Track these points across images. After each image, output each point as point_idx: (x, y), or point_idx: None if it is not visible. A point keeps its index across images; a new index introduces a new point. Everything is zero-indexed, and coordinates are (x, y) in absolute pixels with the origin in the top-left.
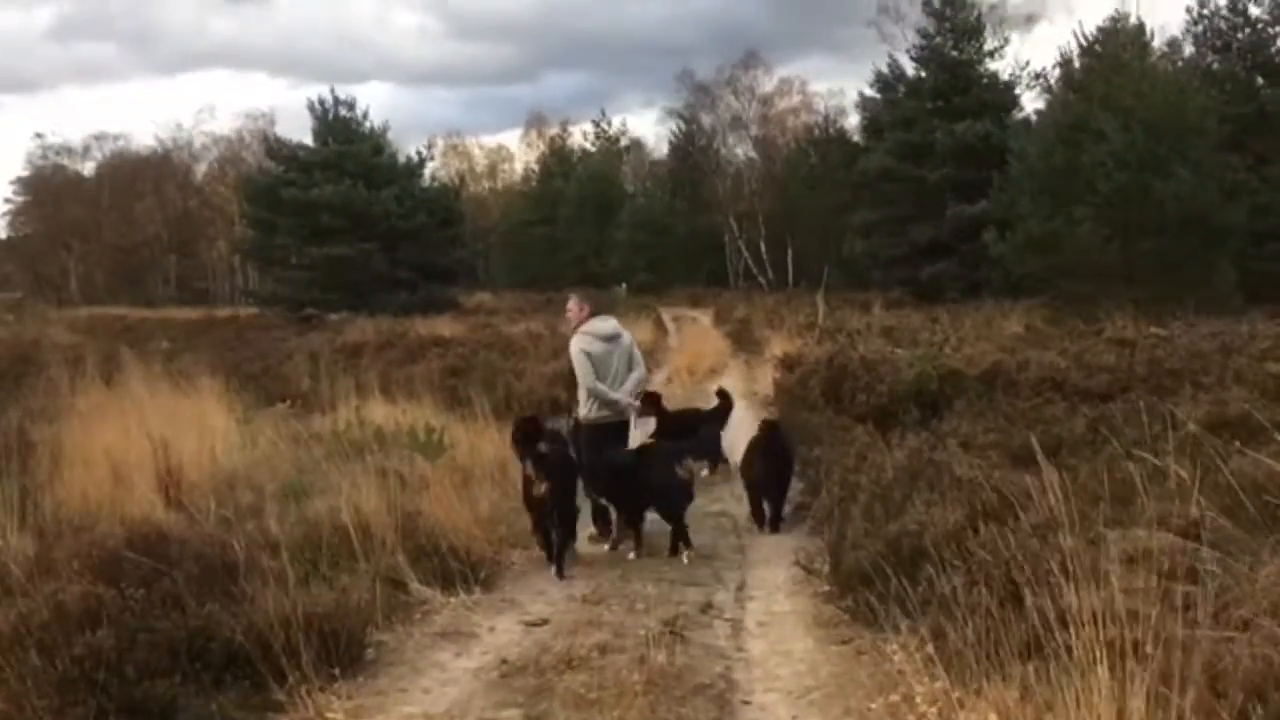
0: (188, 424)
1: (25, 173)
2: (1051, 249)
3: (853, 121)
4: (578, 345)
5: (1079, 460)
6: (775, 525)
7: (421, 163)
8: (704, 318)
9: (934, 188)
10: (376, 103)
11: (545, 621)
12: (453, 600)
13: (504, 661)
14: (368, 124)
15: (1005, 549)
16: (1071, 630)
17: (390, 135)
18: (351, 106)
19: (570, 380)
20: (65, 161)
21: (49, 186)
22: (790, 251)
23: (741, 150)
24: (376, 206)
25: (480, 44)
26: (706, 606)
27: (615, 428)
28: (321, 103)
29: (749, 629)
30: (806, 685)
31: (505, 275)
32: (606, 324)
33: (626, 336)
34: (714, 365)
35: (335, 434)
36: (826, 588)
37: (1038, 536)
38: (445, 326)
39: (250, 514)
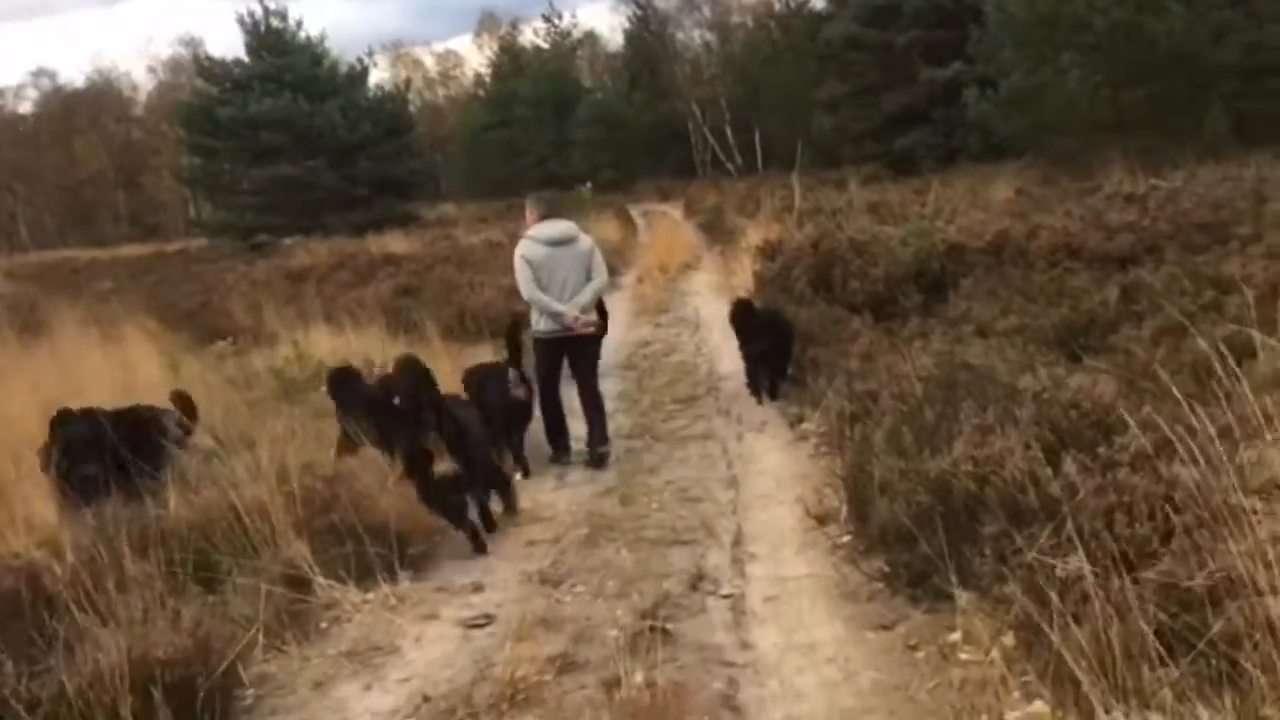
0: (107, 376)
1: None
2: (1037, 103)
3: None
4: (518, 251)
5: (1128, 341)
6: (774, 392)
7: (364, 71)
8: (674, 211)
9: (903, 53)
10: (320, 17)
11: (489, 619)
12: (370, 598)
13: (426, 699)
14: (303, 34)
15: (1111, 493)
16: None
17: (335, 49)
18: (284, 17)
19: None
20: (4, 101)
21: None
22: (757, 134)
23: (698, 34)
24: (320, 119)
25: None
26: (697, 579)
27: (567, 344)
28: (251, 15)
29: (754, 611)
30: (846, 709)
31: (466, 184)
32: (555, 227)
33: (584, 241)
34: (687, 260)
35: (272, 372)
36: (846, 537)
37: (1148, 472)
38: (400, 243)
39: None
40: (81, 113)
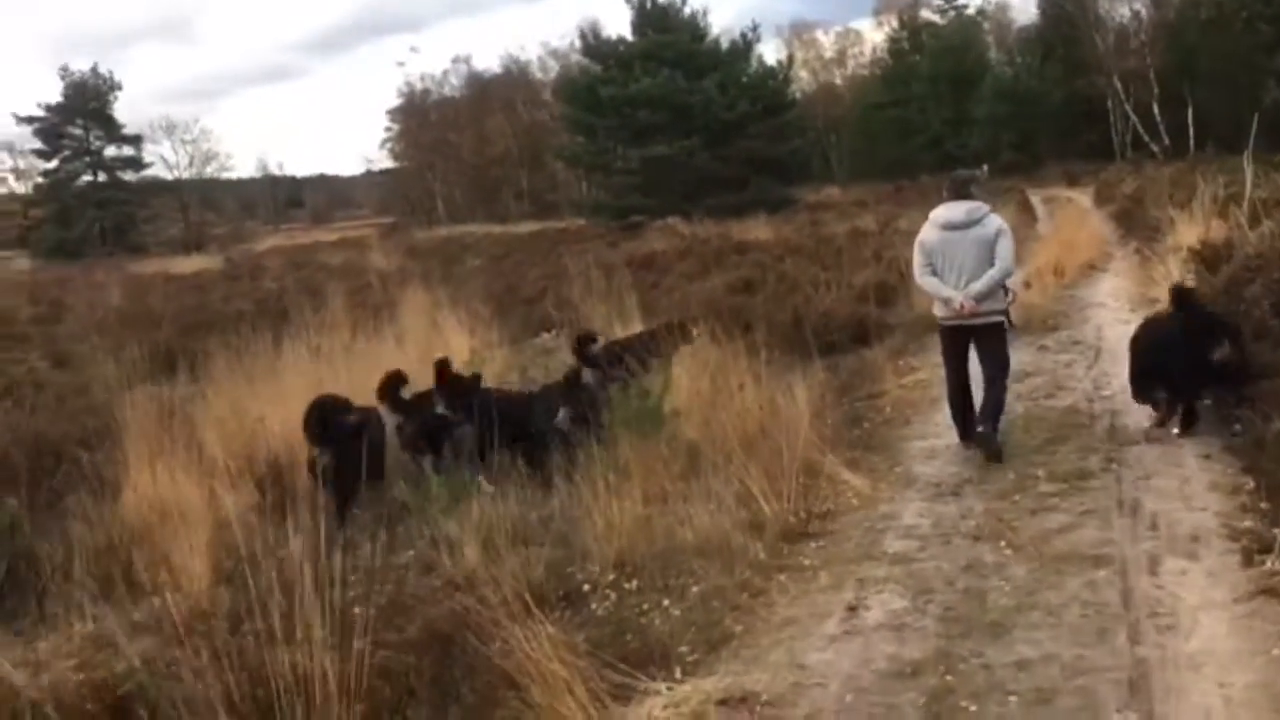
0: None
1: (398, 102)
2: None
3: None
4: (918, 236)
5: None
6: (1187, 424)
7: (748, 46)
8: (1081, 197)
9: None
10: (725, 7)
11: None
12: None
13: None
14: (687, 9)
15: None
16: None
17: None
18: None
19: None
20: (430, 87)
21: (417, 111)
22: (1190, 111)
23: (1125, 6)
24: (697, 96)
25: None
26: None
27: (966, 332)
28: None
29: None
30: None
31: (856, 165)
32: (957, 209)
33: (991, 224)
34: (1092, 259)
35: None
36: None
37: None
38: (762, 229)
39: None
40: (495, 96)
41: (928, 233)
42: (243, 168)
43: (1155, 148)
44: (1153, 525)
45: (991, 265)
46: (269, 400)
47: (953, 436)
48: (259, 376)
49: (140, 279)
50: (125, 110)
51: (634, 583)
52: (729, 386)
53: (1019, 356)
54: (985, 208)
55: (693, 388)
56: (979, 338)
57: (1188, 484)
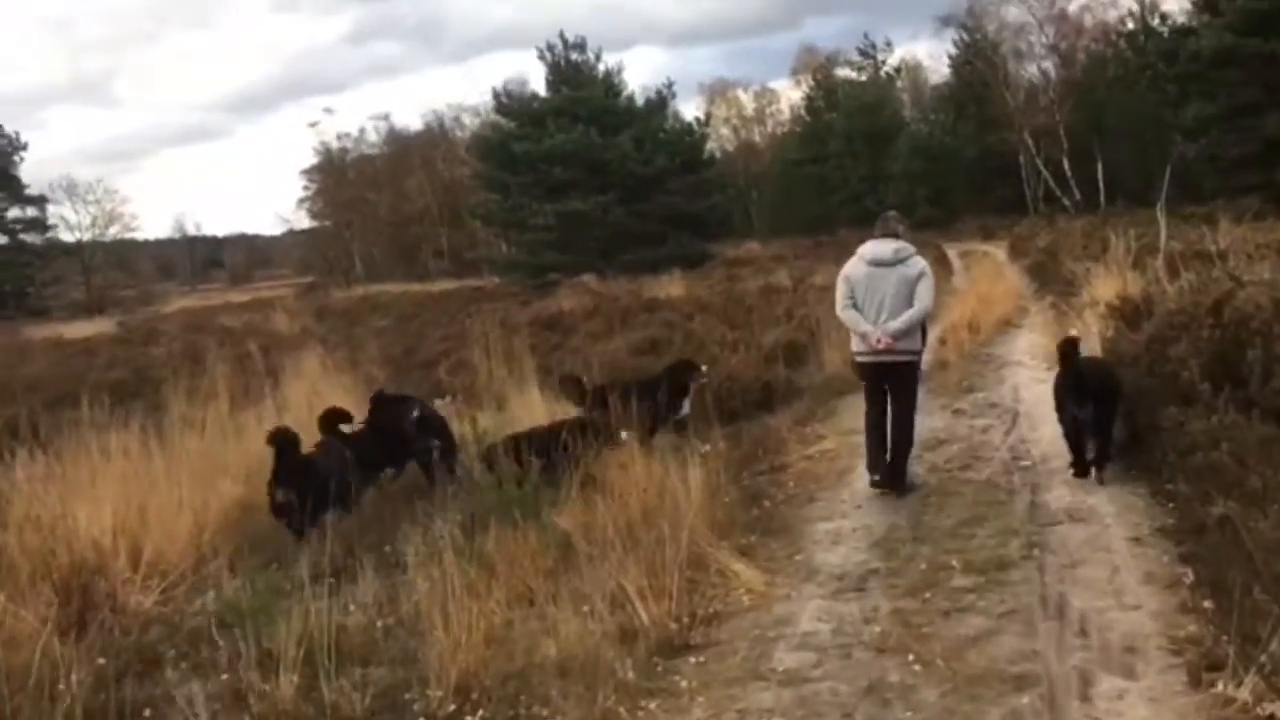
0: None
1: (314, 161)
2: None
3: (1170, 4)
4: (843, 270)
5: None
6: (1101, 464)
7: (662, 102)
8: (997, 251)
9: None
10: (643, 67)
11: None
12: None
13: None
14: (601, 66)
15: None
16: None
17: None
18: (583, 48)
19: None
20: (348, 145)
21: (334, 170)
22: (1100, 166)
23: (1034, 65)
24: (612, 152)
25: None
26: None
27: (880, 369)
28: (551, 49)
29: None
30: None
31: (776, 221)
32: (885, 246)
33: (915, 265)
34: (1008, 315)
35: None
36: None
37: None
38: (675, 286)
39: None
40: (415, 154)
41: (854, 267)
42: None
43: (1067, 202)
44: (1082, 630)
45: (911, 305)
46: (83, 489)
47: (860, 516)
48: (79, 461)
49: (29, 344)
50: (39, 172)
51: (478, 715)
52: (615, 463)
53: (931, 422)
54: (911, 249)
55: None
56: (893, 376)
57: (1118, 575)
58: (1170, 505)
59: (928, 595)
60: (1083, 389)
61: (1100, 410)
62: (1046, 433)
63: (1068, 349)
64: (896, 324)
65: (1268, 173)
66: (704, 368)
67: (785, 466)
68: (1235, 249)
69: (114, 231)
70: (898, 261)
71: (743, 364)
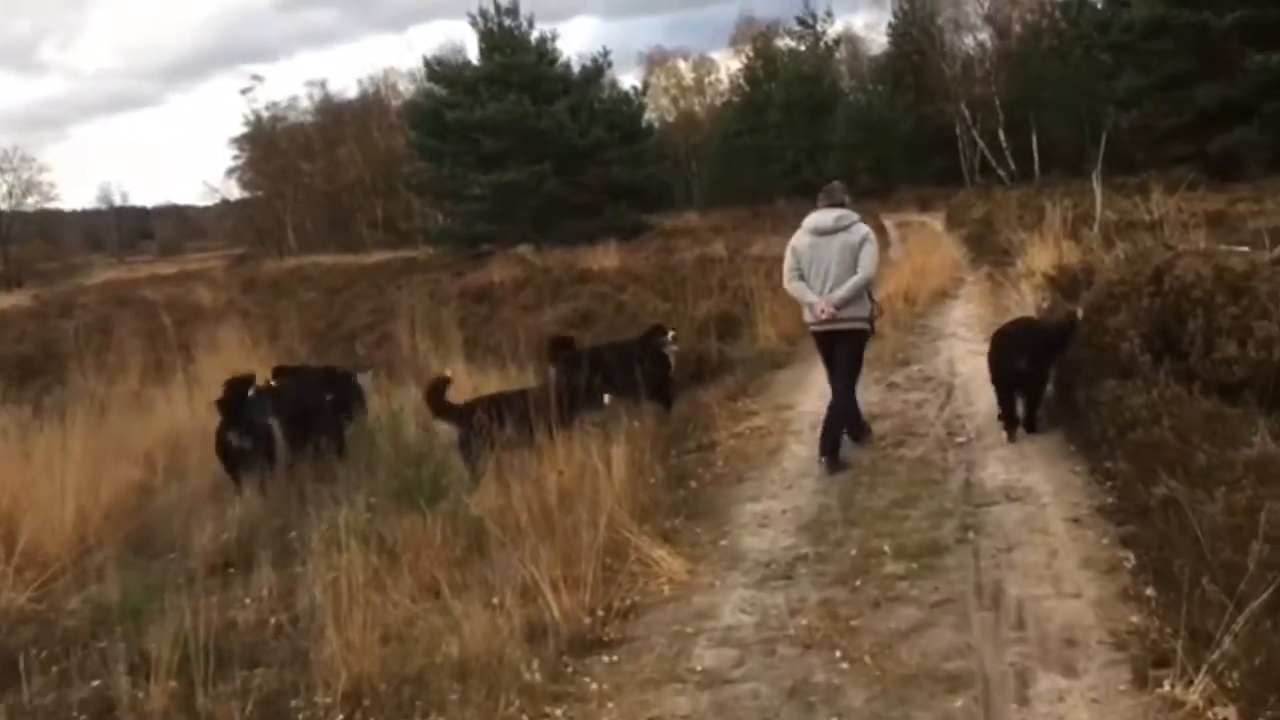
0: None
1: (244, 130)
2: None
3: None
4: (790, 241)
5: None
6: (1030, 424)
7: (599, 70)
8: (934, 221)
9: (1223, 36)
10: (581, 38)
11: None
12: None
13: None
14: (535, 33)
15: None
16: None
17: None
18: (515, 14)
19: None
20: (279, 114)
21: (264, 139)
22: (1035, 137)
23: (971, 36)
24: (547, 121)
25: None
26: None
27: (829, 338)
28: (483, 15)
29: None
30: None
31: (716, 192)
32: (827, 215)
33: (857, 231)
34: (944, 286)
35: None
36: None
37: None
38: (609, 256)
39: None
40: (349, 122)
41: (799, 238)
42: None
43: (1002, 172)
44: (1019, 621)
45: (855, 273)
46: None
47: (790, 498)
48: None
49: None
50: None
51: None
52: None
53: (866, 397)
54: (854, 216)
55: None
56: (839, 344)
57: (1056, 559)
58: (1110, 484)
59: (858, 583)
60: (1018, 344)
61: (1034, 365)
62: (983, 406)
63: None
64: (840, 292)
65: (1199, 143)
66: (671, 333)
67: (714, 444)
68: (1170, 219)
69: (32, 201)
70: (839, 229)
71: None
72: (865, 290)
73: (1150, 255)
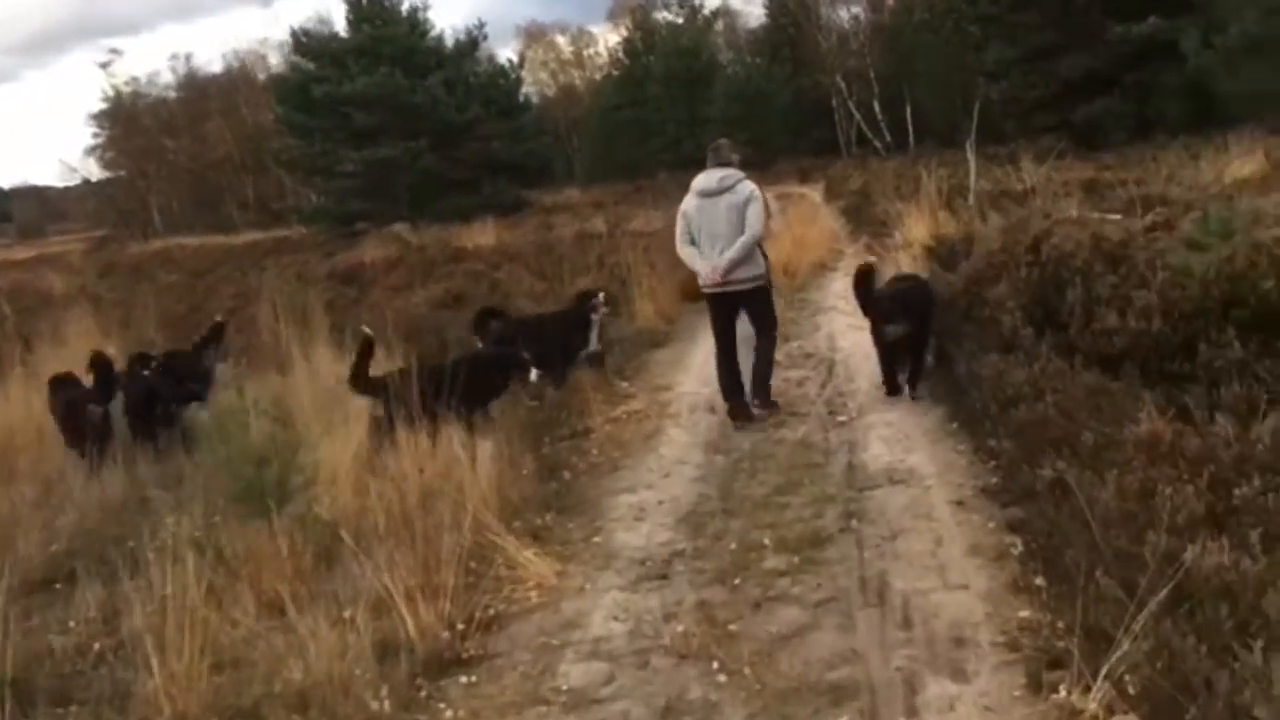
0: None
1: (103, 106)
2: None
3: None
4: (681, 205)
5: None
6: (913, 382)
7: (473, 43)
8: (813, 193)
9: (1085, 8)
10: (456, 12)
11: None
12: None
13: None
14: (405, 3)
15: None
16: None
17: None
18: None
19: None
20: (141, 89)
21: (125, 116)
22: (909, 109)
23: (844, 11)
24: (421, 96)
25: None
26: None
27: (726, 299)
28: None
29: None
30: None
31: (597, 167)
32: (711, 177)
33: (742, 190)
34: (823, 259)
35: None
36: None
37: None
38: (485, 234)
39: None
40: (215, 98)
41: (687, 202)
42: None
43: (878, 144)
44: (905, 620)
45: (744, 233)
46: None
47: (668, 487)
48: None
49: None
50: None
51: None
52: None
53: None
54: (739, 174)
55: (347, 443)
56: (742, 304)
57: (941, 547)
58: (994, 463)
59: (737, 581)
60: (895, 305)
61: (915, 326)
62: (863, 384)
63: (863, 275)
64: (730, 254)
65: (1064, 114)
66: (601, 295)
67: (589, 431)
68: (1043, 187)
69: None
70: (724, 190)
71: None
72: (757, 247)
73: (1027, 224)
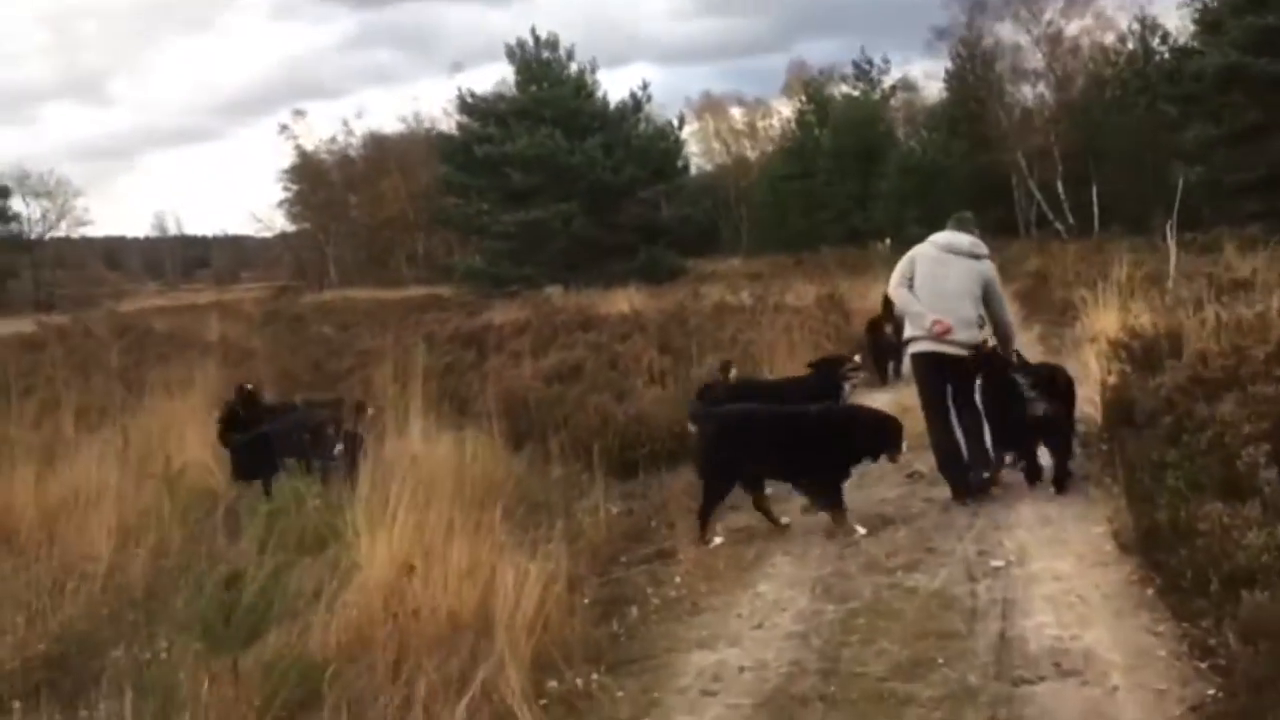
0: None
1: (294, 162)
2: None
3: (1172, 23)
4: (910, 251)
5: None
6: (1059, 482)
7: (636, 105)
8: None
9: None
10: (636, 84)
11: None
12: None
13: None
14: (573, 65)
15: None
16: None
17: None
18: (555, 46)
19: None
20: (328, 148)
21: (310, 173)
22: (1095, 190)
23: (1028, 88)
24: (577, 157)
25: (731, 18)
26: None
27: (938, 361)
28: (521, 46)
29: None
30: None
31: (764, 237)
32: (963, 237)
33: (986, 265)
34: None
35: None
36: None
37: None
38: (627, 300)
39: None
40: (393, 156)
41: (922, 249)
42: (143, 226)
43: (1060, 226)
44: None
45: (967, 303)
46: None
47: (756, 645)
48: None
49: None
50: (34, 167)
51: None
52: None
53: (880, 491)
54: (986, 249)
55: (394, 550)
56: (950, 368)
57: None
58: (1210, 663)
59: None
60: (1040, 386)
61: (1059, 410)
62: (1026, 514)
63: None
64: (964, 312)
65: (1271, 200)
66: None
67: (674, 552)
68: (1261, 280)
69: (65, 226)
70: (973, 255)
71: (660, 400)
72: (978, 319)
73: (1266, 322)
